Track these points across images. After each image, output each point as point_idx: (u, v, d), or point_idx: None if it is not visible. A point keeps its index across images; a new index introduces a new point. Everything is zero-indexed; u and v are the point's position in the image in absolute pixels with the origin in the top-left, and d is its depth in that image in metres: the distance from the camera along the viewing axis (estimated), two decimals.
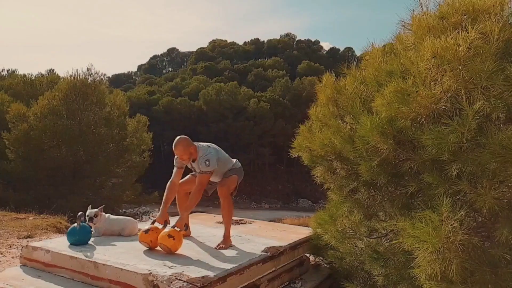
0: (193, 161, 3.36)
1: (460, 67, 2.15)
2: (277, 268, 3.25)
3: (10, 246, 5.15)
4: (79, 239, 3.12)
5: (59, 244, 3.11)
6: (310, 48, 63.20)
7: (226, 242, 3.28)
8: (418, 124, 2.41)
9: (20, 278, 2.80)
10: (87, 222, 3.36)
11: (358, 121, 2.76)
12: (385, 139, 2.46)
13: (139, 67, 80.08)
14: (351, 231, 3.00)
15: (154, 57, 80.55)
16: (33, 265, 3.02)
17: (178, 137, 3.35)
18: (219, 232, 3.81)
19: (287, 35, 70.24)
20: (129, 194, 16.06)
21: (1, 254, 4.78)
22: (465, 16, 2.61)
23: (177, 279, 2.44)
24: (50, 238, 5.88)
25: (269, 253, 3.14)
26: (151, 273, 2.51)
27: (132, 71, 79.58)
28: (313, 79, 47.12)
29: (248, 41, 69.43)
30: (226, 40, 70.47)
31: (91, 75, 16.06)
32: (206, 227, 3.98)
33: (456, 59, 2.12)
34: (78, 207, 12.19)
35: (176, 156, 3.42)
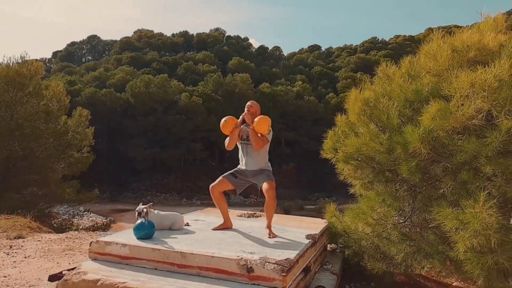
0: (248, 125, 3.96)
1: (487, 94, 2.91)
2: (315, 252, 3.83)
3: (11, 247, 5.05)
4: (147, 233, 3.39)
5: (128, 238, 3.34)
6: (240, 44, 63.99)
7: (272, 232, 3.78)
8: (450, 134, 3.15)
9: (106, 270, 3.02)
10: (136, 217, 3.62)
11: (395, 131, 3.43)
12: (424, 146, 3.16)
13: (55, 53, 74.21)
14: (382, 220, 3.68)
15: (73, 44, 75.17)
16: (106, 258, 3.23)
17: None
18: (253, 223, 4.32)
19: (217, 29, 70.34)
20: (69, 192, 15.32)
21: (8, 254, 4.72)
22: (475, 53, 3.41)
23: (266, 262, 2.90)
24: (42, 237, 5.81)
25: (311, 240, 3.70)
26: (242, 258, 2.93)
27: (46, 58, 73.38)
28: (245, 75, 47.66)
29: (177, 33, 68.12)
30: (152, 31, 68.37)
31: (26, 64, 15.00)
32: (236, 220, 4.39)
33: (488, 88, 2.88)
34: (15, 206, 11.46)
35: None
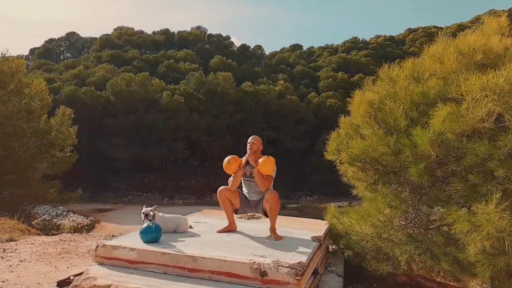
0: (252, 166, 3.93)
1: (497, 97, 2.96)
2: (321, 254, 3.83)
3: (4, 250, 4.88)
4: (155, 237, 3.32)
5: (135, 242, 3.26)
6: (222, 43, 63.68)
7: (278, 235, 3.76)
8: (459, 137, 3.19)
9: (116, 275, 2.93)
10: (143, 220, 3.54)
11: (402, 133, 3.46)
12: (433, 148, 3.19)
13: (32, 50, 72.29)
14: (388, 221, 3.70)
15: (51, 40, 73.25)
16: (113, 263, 3.14)
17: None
18: (256, 226, 4.30)
19: (198, 28, 69.82)
20: (52, 192, 14.93)
21: (2, 258, 4.57)
22: (482, 56, 3.46)
23: (279, 265, 2.87)
24: (35, 239, 5.64)
25: (317, 242, 3.69)
26: (255, 261, 2.89)
27: (23, 55, 71.37)
28: (227, 74, 47.48)
29: (158, 31, 67.36)
30: (133, 28, 67.46)
31: (7, 62, 14.52)
32: (237, 222, 4.32)
33: (499, 91, 2.92)
34: None
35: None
